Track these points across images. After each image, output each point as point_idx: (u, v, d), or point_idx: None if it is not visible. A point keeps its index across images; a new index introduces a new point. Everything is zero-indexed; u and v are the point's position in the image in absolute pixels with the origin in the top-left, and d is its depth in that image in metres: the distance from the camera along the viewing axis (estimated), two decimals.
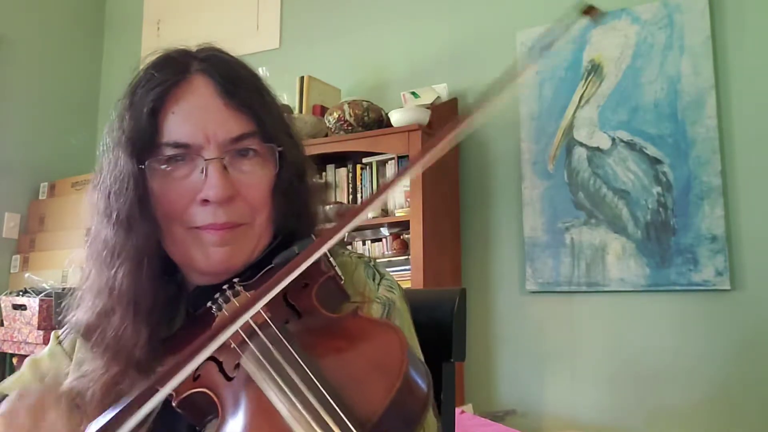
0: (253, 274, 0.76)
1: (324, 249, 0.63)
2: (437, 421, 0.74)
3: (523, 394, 2.56)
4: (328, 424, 0.52)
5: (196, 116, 0.73)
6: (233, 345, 0.65)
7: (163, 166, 0.74)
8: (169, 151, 0.73)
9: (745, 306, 2.26)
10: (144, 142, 0.73)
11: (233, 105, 0.75)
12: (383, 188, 0.65)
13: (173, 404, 0.65)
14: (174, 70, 0.75)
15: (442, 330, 0.94)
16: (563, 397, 2.50)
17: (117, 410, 0.52)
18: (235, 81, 0.76)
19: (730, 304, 2.28)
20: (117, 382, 0.71)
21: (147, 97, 0.74)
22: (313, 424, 0.52)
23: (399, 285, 0.83)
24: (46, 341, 2.72)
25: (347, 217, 0.63)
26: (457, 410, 2.19)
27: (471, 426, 2.17)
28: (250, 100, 0.76)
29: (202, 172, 0.73)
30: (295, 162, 0.80)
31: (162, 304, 0.76)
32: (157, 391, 0.52)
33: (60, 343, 0.87)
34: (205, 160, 0.73)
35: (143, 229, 0.73)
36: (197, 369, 0.65)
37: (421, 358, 0.73)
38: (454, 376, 0.96)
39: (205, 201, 0.73)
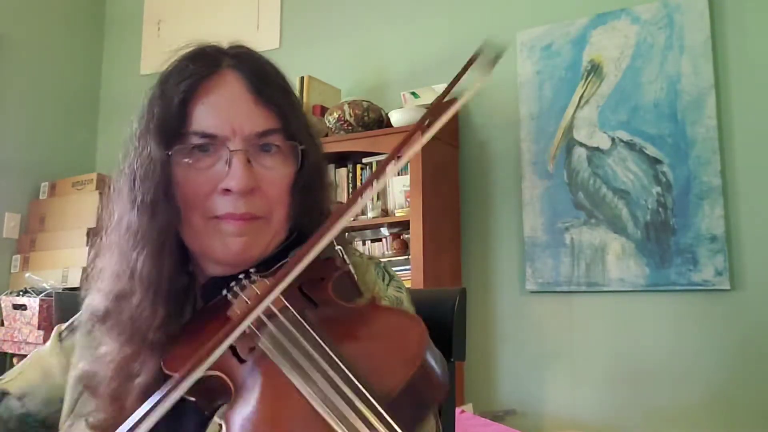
0: (269, 267, 0.77)
1: (340, 225, 0.64)
2: (437, 422, 0.75)
3: (523, 394, 2.56)
4: (349, 397, 0.52)
5: (225, 109, 0.76)
6: (249, 329, 0.65)
7: (188, 156, 0.76)
8: (196, 140, 0.75)
9: (745, 306, 2.26)
10: (172, 129, 0.75)
11: (261, 101, 0.77)
12: (387, 161, 0.65)
13: None
14: (206, 63, 0.78)
15: (442, 330, 0.94)
16: (563, 397, 2.50)
17: (142, 413, 0.52)
18: (264, 79, 0.79)
19: (730, 304, 2.28)
20: (129, 362, 0.72)
21: (179, 86, 0.76)
22: (333, 399, 0.52)
23: (407, 288, 0.85)
24: (46, 341, 2.71)
25: (352, 198, 0.64)
26: (457, 410, 2.19)
27: (471, 426, 2.17)
28: (277, 98, 0.78)
29: (226, 162, 0.75)
30: (315, 161, 0.82)
31: (177, 294, 0.77)
32: (179, 385, 0.53)
33: (61, 340, 0.88)
34: (230, 151, 0.74)
35: (166, 213, 0.75)
36: None
37: None
38: (455, 375, 0.96)
39: (227, 191, 0.75)
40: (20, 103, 3.39)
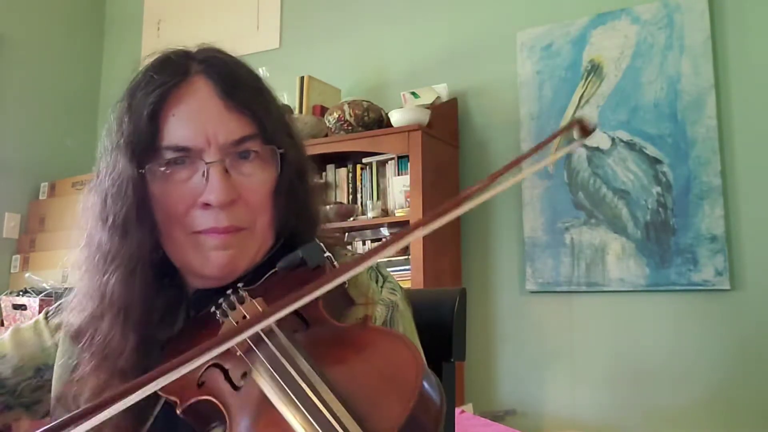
0: (256, 277, 0.75)
1: (345, 278, 0.61)
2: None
3: (523, 394, 2.56)
4: None
5: (197, 118, 0.72)
6: (239, 353, 0.63)
7: (163, 170, 0.73)
8: (170, 155, 0.72)
9: (745, 306, 2.26)
10: (144, 145, 0.72)
11: (234, 106, 0.74)
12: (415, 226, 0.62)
13: (178, 411, 0.64)
14: (174, 71, 0.74)
15: (442, 330, 0.94)
16: (563, 397, 2.50)
17: (105, 398, 0.50)
18: (235, 82, 0.75)
19: (730, 304, 2.28)
20: (102, 390, 0.71)
21: (147, 99, 0.73)
22: None
23: (401, 286, 0.83)
24: None
25: (372, 251, 0.61)
26: (457, 410, 2.19)
27: (471, 426, 2.17)
28: (250, 101, 0.75)
29: (203, 175, 0.72)
30: (296, 163, 0.79)
31: (160, 310, 0.75)
32: (147, 384, 0.51)
33: (47, 319, 0.88)
34: (207, 163, 0.72)
35: (139, 235, 0.72)
36: (201, 376, 0.65)
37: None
38: (454, 376, 0.96)
39: (207, 205, 0.72)
40: (20, 103, 3.39)
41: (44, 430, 0.46)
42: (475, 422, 2.22)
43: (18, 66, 3.38)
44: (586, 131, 0.66)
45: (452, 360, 0.93)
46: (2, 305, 2.91)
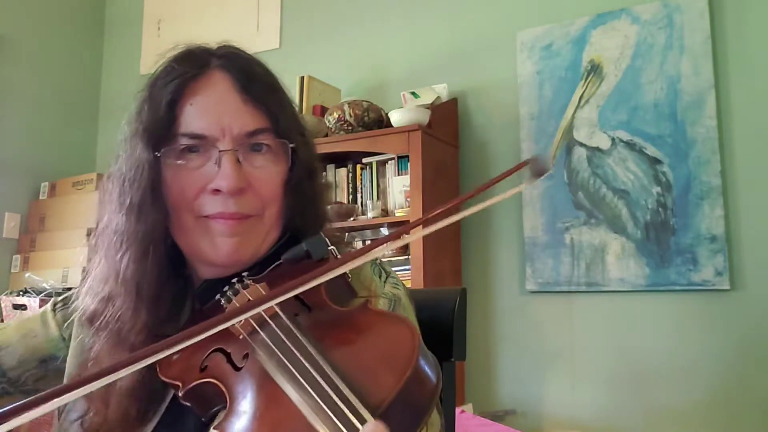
0: (262, 269, 0.76)
1: (347, 268, 0.63)
2: (440, 418, 0.75)
3: (523, 394, 2.56)
4: (340, 407, 0.52)
5: (214, 109, 0.75)
6: (242, 336, 0.65)
7: (177, 156, 0.75)
8: (185, 141, 0.75)
9: (745, 306, 2.26)
10: (161, 131, 0.75)
11: (249, 100, 0.76)
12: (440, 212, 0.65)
13: (180, 395, 0.66)
14: (194, 63, 0.77)
15: (443, 330, 0.94)
16: (563, 397, 2.50)
17: (101, 370, 0.50)
18: (253, 78, 0.78)
19: (730, 304, 2.28)
20: None
21: (166, 88, 0.76)
22: (326, 409, 0.52)
23: (403, 283, 0.84)
24: None
25: (377, 242, 0.63)
26: (457, 410, 2.19)
27: (471, 426, 2.17)
28: (265, 97, 0.78)
29: (216, 163, 0.74)
30: (307, 160, 0.81)
31: (168, 297, 0.77)
32: (151, 355, 0.51)
33: (55, 311, 0.89)
34: (220, 151, 0.74)
35: (153, 215, 0.74)
36: (204, 360, 0.66)
37: None
38: (455, 375, 0.96)
39: (217, 191, 0.74)
40: (21, 103, 3.39)
41: (44, 394, 0.45)
42: (475, 422, 2.22)
43: (18, 66, 3.39)
44: (539, 172, 0.69)
45: (452, 360, 0.93)
46: (2, 305, 2.91)
